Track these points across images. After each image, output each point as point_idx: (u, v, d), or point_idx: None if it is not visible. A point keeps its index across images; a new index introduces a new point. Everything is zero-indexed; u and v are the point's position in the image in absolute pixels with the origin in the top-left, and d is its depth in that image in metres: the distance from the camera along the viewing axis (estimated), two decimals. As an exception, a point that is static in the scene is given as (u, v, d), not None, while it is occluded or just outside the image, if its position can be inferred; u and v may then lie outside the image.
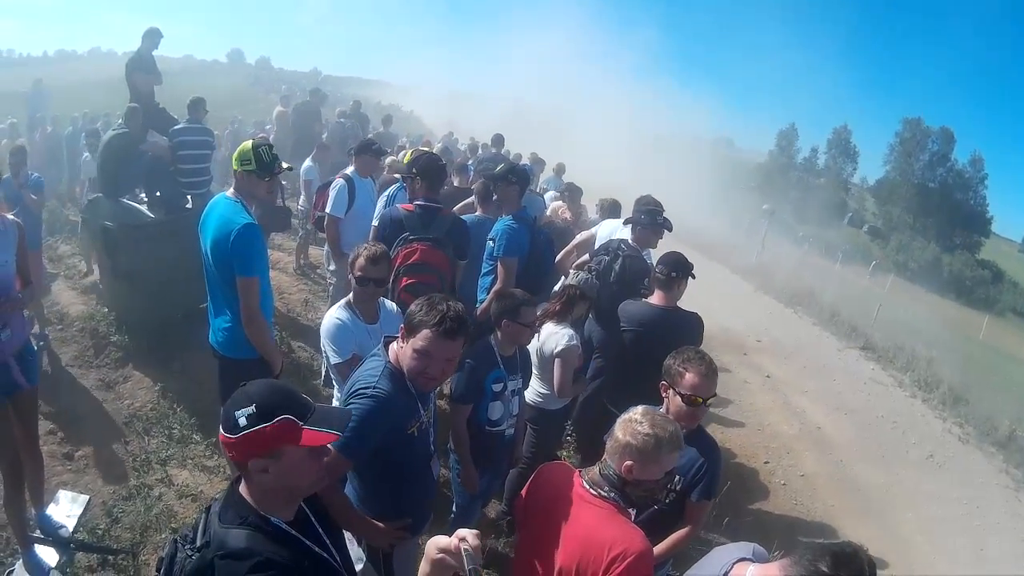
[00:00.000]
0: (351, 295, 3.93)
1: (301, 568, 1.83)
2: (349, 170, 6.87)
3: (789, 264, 25.47)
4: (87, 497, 4.62)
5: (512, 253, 5.22)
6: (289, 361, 7.10)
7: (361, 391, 2.75)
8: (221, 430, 1.84)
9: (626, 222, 5.76)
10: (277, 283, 9.43)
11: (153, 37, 7.98)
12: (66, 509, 4.46)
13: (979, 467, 9.92)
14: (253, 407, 1.81)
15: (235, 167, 3.94)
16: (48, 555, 4.09)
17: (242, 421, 1.80)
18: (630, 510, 2.52)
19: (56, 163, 14.12)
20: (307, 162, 10.39)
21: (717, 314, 11.76)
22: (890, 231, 65.20)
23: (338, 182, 6.66)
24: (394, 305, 4.18)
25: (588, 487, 2.53)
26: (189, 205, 7.31)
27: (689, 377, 3.23)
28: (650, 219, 5.36)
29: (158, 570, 1.87)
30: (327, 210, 6.61)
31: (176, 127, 7.35)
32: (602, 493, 2.49)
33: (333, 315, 3.87)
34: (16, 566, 3.99)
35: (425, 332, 2.70)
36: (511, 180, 5.36)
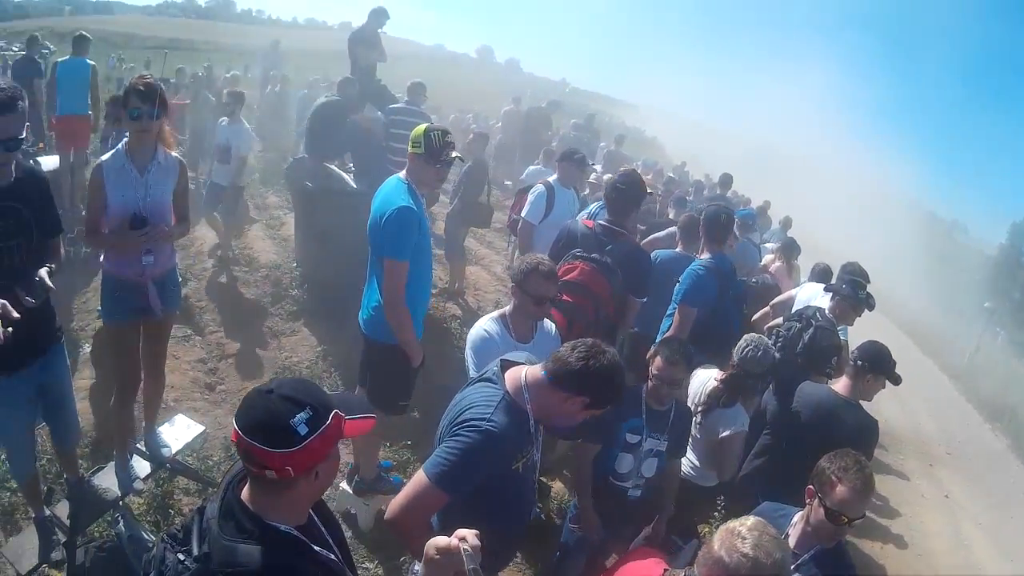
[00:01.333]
0: (508, 307, 3.64)
1: (307, 572, 1.73)
2: (552, 178, 6.68)
3: (1001, 373, 23.07)
4: (203, 428, 4.78)
5: (692, 301, 4.83)
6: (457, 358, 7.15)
7: (474, 423, 2.42)
8: (275, 449, 1.60)
9: (827, 288, 5.34)
10: (476, 280, 9.59)
11: (379, 16, 8.27)
12: (177, 433, 4.61)
13: None
14: (309, 410, 1.63)
15: (409, 148, 3.89)
16: (141, 467, 4.27)
17: (303, 429, 1.61)
18: None
19: (280, 119, 14.84)
20: (532, 167, 10.38)
21: (912, 412, 10.91)
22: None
23: (538, 188, 6.51)
24: (552, 326, 3.82)
25: None
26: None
27: (841, 490, 2.73)
28: (851, 291, 4.97)
29: (147, 574, 1.75)
30: (522, 214, 6.49)
31: (393, 106, 7.65)
32: None
33: (482, 326, 3.59)
34: (107, 467, 4.19)
35: (612, 400, 2.51)
36: (720, 222, 5.02)
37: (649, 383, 3.67)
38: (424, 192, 3.95)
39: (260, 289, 7.73)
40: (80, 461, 4.60)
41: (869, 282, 5.05)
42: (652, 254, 5.29)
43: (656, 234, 6.76)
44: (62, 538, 3.70)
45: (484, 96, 34.76)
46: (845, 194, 44.00)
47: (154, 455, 4.34)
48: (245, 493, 1.72)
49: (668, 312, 5.10)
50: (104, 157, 3.82)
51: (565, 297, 4.14)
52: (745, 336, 4.31)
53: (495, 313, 3.70)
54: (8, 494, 4.24)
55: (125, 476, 4.07)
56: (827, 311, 4.96)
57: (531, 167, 10.30)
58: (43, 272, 3.16)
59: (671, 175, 14.34)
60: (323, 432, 1.64)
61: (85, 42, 9.34)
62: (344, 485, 4.57)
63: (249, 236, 9.68)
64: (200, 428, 4.73)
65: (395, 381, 4.12)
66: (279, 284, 7.80)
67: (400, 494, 2.42)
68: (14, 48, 13.61)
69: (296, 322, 7.17)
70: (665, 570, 2.39)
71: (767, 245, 10.04)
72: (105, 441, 4.66)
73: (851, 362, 4.09)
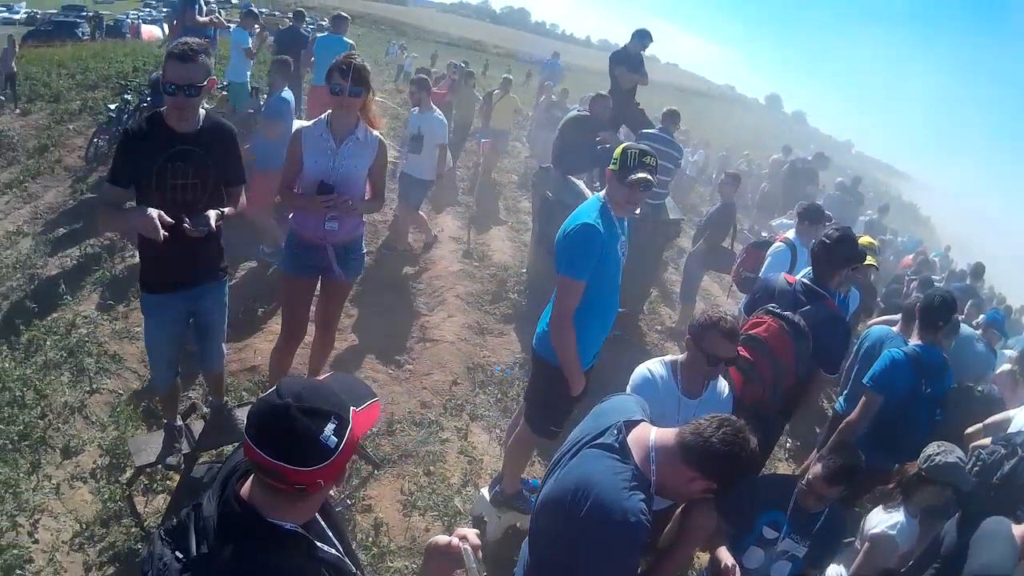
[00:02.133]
0: (684, 355, 3.37)
1: (317, 574, 1.65)
2: (790, 234, 6.18)
3: None
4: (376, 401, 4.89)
5: (880, 387, 4.20)
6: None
7: (613, 523, 2.13)
8: (309, 468, 1.52)
9: None
10: None
11: (642, 38, 8.19)
12: None
13: None
14: (333, 420, 1.54)
15: (609, 164, 3.67)
16: None
17: (332, 440, 1.53)
18: None
19: (552, 130, 15.08)
20: (786, 220, 9.87)
21: None
22: None
23: (779, 245, 6.08)
24: (726, 387, 3.47)
25: None
26: (637, 210, 7.36)
27: None
28: None
29: (144, 573, 1.67)
30: (760, 273, 5.95)
31: (646, 131, 7.48)
32: None
33: (648, 367, 3.39)
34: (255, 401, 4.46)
35: (740, 480, 2.28)
36: (934, 306, 4.39)
37: (803, 483, 3.23)
38: (619, 215, 3.68)
39: (483, 286, 7.89)
40: (244, 394, 5.03)
41: None
42: (868, 327, 4.76)
43: (890, 316, 6.03)
44: (186, 449, 3.99)
45: (764, 142, 33.74)
46: None
47: None
48: (246, 490, 1.64)
49: (850, 392, 4.70)
50: (307, 124, 4.09)
51: (743, 352, 3.70)
52: (941, 442, 3.78)
53: (669, 357, 3.45)
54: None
55: None
56: None
57: (784, 221, 9.78)
58: (211, 212, 3.46)
59: (931, 258, 12.94)
60: (350, 436, 1.56)
61: (344, 21, 10.07)
62: (484, 491, 4.48)
63: (491, 234, 9.98)
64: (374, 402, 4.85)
65: (551, 405, 3.93)
66: (503, 285, 7.92)
67: None
68: (287, 18, 15.07)
69: (507, 325, 7.22)
70: None
71: (1008, 352, 8.72)
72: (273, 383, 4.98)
73: None
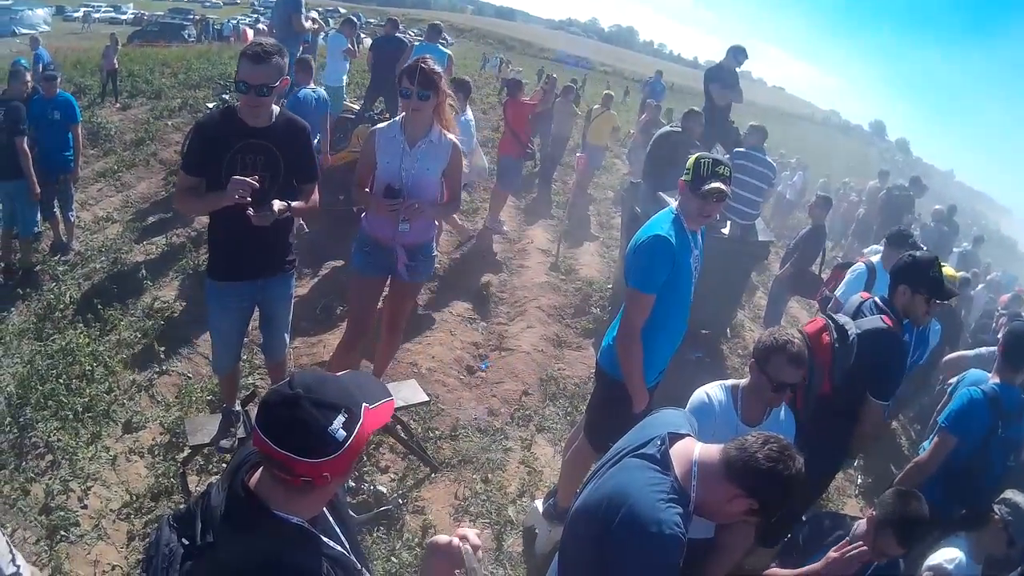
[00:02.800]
0: (746, 380, 3.21)
1: (322, 570, 1.64)
2: (875, 258, 6.12)
3: None
4: (428, 398, 4.91)
5: (956, 429, 3.98)
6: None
7: (648, 535, 2.07)
8: (316, 460, 1.52)
9: None
10: None
11: (737, 55, 8.24)
12: (403, 393, 4.69)
13: None
14: (344, 412, 1.54)
15: (682, 176, 3.59)
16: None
17: (341, 434, 1.53)
18: None
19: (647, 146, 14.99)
20: (878, 247, 9.53)
21: None
22: None
23: (858, 266, 6.02)
24: (788, 414, 3.32)
25: None
26: (726, 230, 7.22)
27: None
28: None
29: (149, 557, 1.67)
30: (836, 293, 6.01)
31: (739, 150, 7.36)
32: None
33: (707, 390, 3.24)
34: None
35: (750, 501, 2.15)
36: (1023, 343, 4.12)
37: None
38: (692, 227, 3.59)
39: (567, 299, 7.85)
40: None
41: None
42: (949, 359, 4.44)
43: (980, 350, 5.69)
44: (241, 434, 4.07)
45: (866, 169, 32.70)
46: None
47: None
48: (255, 482, 1.64)
49: (928, 437, 4.33)
50: (382, 125, 4.13)
51: None
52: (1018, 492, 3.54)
53: (730, 382, 3.27)
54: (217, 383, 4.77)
55: None
56: None
57: (872, 247, 9.36)
58: (278, 203, 3.51)
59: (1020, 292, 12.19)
60: (359, 431, 1.55)
61: (437, 30, 10.20)
62: (538, 503, 4.44)
63: (581, 249, 9.94)
64: (425, 397, 4.84)
65: (611, 420, 3.71)
66: (587, 299, 7.88)
67: None
68: (381, 26, 15.32)
69: (587, 339, 7.15)
70: None
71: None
72: None
73: None
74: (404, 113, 4.01)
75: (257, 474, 1.64)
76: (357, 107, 10.55)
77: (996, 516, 3.42)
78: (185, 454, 4.37)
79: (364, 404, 1.58)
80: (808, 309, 10.44)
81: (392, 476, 4.64)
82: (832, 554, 2.85)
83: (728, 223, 7.25)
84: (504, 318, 7.26)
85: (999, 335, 6.47)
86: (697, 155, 3.56)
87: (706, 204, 3.46)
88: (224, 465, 4.26)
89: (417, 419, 5.08)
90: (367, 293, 4.36)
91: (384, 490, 4.39)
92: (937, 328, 5.31)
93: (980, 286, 7.57)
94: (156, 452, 4.59)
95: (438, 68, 3.92)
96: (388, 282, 4.37)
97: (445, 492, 4.62)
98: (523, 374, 6.14)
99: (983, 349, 5.77)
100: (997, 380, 4.11)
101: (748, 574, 3.12)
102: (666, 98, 18.45)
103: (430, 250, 4.35)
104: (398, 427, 4.60)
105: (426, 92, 3.84)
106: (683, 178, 3.53)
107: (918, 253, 4.03)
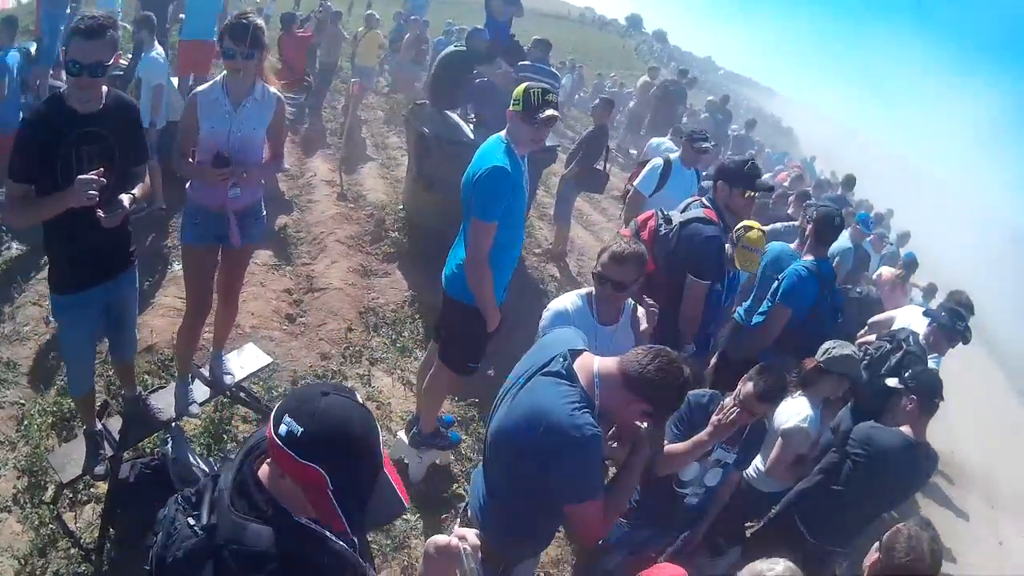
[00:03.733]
0: (594, 287, 3.53)
1: (322, 566, 1.64)
2: (674, 155, 6.65)
3: None
4: (270, 359, 4.73)
5: (789, 301, 4.56)
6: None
7: (574, 437, 2.28)
8: (272, 416, 1.55)
9: (925, 313, 5.16)
10: (583, 243, 9.57)
11: None
12: (244, 361, 4.54)
13: None
14: (302, 431, 1.50)
15: (510, 106, 3.67)
16: (200, 391, 4.22)
17: (282, 429, 1.51)
18: None
19: (420, 64, 14.64)
20: (663, 141, 10.00)
21: (989, 450, 10.44)
22: None
23: (655, 161, 6.51)
24: (641, 312, 3.66)
25: None
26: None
27: None
28: (949, 320, 4.81)
29: (155, 533, 1.69)
30: (634, 184, 6.52)
31: (523, 63, 7.45)
32: None
33: (564, 302, 3.54)
34: (167, 387, 4.17)
35: (672, 406, 2.48)
36: (834, 224, 4.77)
37: (735, 402, 3.37)
38: (522, 153, 3.73)
39: (362, 227, 7.76)
40: (146, 376, 4.71)
41: (973, 314, 4.94)
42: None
43: (775, 225, 6.47)
44: (110, 452, 3.71)
45: (629, 62, 34.24)
46: (973, 219, 41.67)
47: (216, 381, 4.30)
48: (264, 471, 1.65)
49: (761, 309, 4.88)
50: (202, 87, 3.77)
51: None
52: (836, 340, 4.16)
53: (584, 290, 3.60)
54: (69, 402, 4.34)
55: (183, 398, 4.06)
56: (921, 337, 4.85)
57: (657, 140, 10.08)
58: (124, 197, 3.23)
59: (796, 170, 13.69)
60: (286, 454, 1.51)
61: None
62: (401, 434, 4.56)
63: (363, 173, 9.76)
64: (268, 359, 4.68)
65: (467, 342, 4.03)
66: (382, 224, 7.80)
67: (582, 533, 2.59)
68: None
69: (391, 264, 7.17)
70: None
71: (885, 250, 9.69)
72: (174, 361, 4.69)
73: (908, 405, 3.92)
74: (226, 73, 3.69)
75: (265, 465, 1.65)
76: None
77: (824, 367, 4.03)
78: (51, 492, 3.89)
79: (319, 469, 1.51)
80: (590, 201, 11.08)
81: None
82: (714, 420, 3.24)
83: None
84: (307, 258, 7.08)
85: (789, 210, 7.35)
86: (524, 85, 3.69)
87: (540, 131, 3.67)
88: (95, 491, 3.98)
89: (256, 381, 4.86)
90: (203, 265, 4.03)
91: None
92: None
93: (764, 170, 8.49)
94: (22, 501, 3.95)
95: (261, 22, 3.65)
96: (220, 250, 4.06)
97: None
98: (342, 311, 6.08)
99: (778, 224, 6.57)
100: (811, 257, 4.74)
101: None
102: (427, 10, 18.05)
103: (260, 211, 4.10)
104: (242, 395, 4.44)
105: (251, 51, 3.54)
106: (513, 108, 3.63)
107: (739, 160, 4.51)
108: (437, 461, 4.54)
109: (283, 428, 1.51)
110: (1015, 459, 13.00)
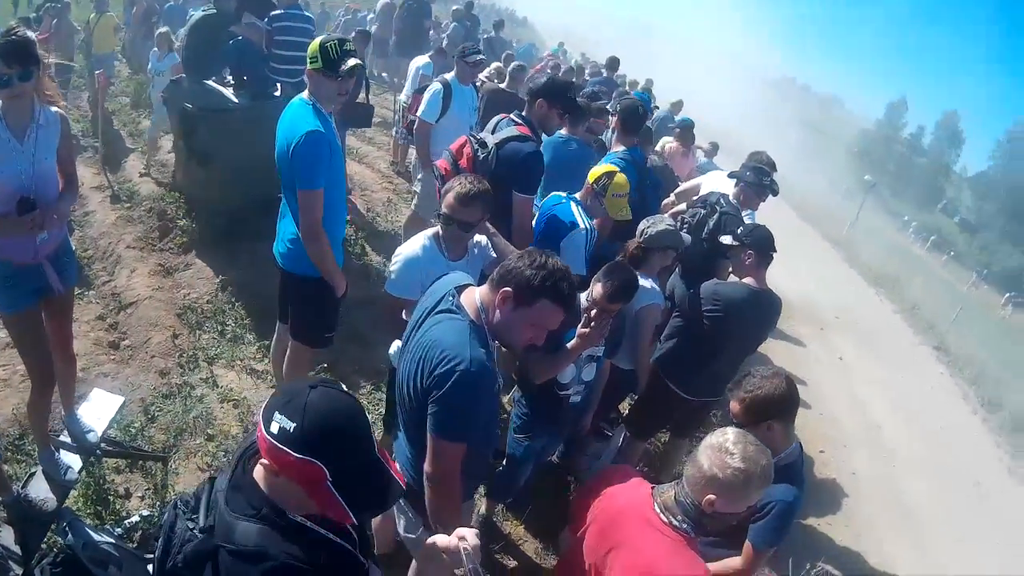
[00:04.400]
0: (440, 227, 3.51)
1: (318, 565, 1.62)
2: (449, 75, 6.64)
3: (879, 241, 24.95)
4: (122, 399, 4.38)
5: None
6: (360, 265, 6.98)
7: (458, 370, 2.33)
8: (261, 414, 1.57)
9: (731, 175, 5.44)
10: (361, 179, 9.37)
11: None
12: (98, 410, 4.17)
13: None
14: (294, 426, 1.51)
15: (308, 65, 3.60)
16: (70, 459, 3.86)
17: (274, 427, 1.52)
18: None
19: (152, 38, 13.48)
20: (424, 59, 9.90)
21: (801, 281, 11.69)
22: (980, 227, 63.01)
23: (434, 86, 6.50)
24: (487, 243, 3.68)
25: (659, 512, 2.31)
26: (277, 92, 7.06)
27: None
28: (756, 178, 5.07)
29: (156, 539, 1.68)
30: (418, 114, 6.50)
31: (275, 12, 6.98)
32: (674, 522, 2.27)
33: (414, 244, 3.51)
34: (36, 472, 3.76)
35: (548, 306, 2.40)
36: (638, 114, 5.05)
37: (588, 303, 3.56)
38: (329, 110, 3.68)
39: (146, 224, 7.17)
40: (6, 468, 4.10)
41: (775, 170, 5.18)
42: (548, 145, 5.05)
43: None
44: (20, 569, 3.31)
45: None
46: (721, 73, 44.98)
47: (80, 442, 3.92)
48: (258, 472, 1.65)
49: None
50: None
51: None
52: (648, 217, 4.39)
53: (430, 231, 3.58)
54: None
55: (57, 476, 3.68)
56: (731, 197, 5.09)
57: (418, 62, 9.91)
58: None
59: (551, 60, 14.10)
60: (283, 452, 1.53)
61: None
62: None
63: (128, 167, 8.97)
64: (120, 399, 4.33)
65: (320, 314, 4.00)
66: (165, 216, 7.26)
67: (429, 465, 2.44)
68: None
69: (188, 254, 6.75)
70: (652, 489, 2.44)
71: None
72: (27, 437, 4.27)
73: (748, 258, 4.25)
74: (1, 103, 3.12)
75: (259, 465, 1.65)
76: None
77: (646, 245, 4.24)
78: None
79: (317, 463, 1.53)
80: (357, 136, 10.86)
81: (140, 495, 4.10)
82: (580, 331, 3.35)
83: (279, 85, 7.11)
84: (105, 275, 6.48)
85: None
86: (319, 41, 3.58)
87: (345, 83, 3.65)
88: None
89: (111, 425, 4.36)
90: (34, 329, 3.53)
91: (147, 513, 3.85)
92: None
93: (515, 65, 8.48)
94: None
95: (31, 34, 3.13)
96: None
97: (191, 473, 4.31)
98: (160, 320, 5.69)
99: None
100: (622, 147, 5.09)
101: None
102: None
103: (70, 248, 3.65)
104: (106, 447, 4.07)
105: (29, 70, 3.04)
106: (312, 66, 3.57)
107: (546, 79, 4.64)
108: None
109: (275, 426, 1.52)
110: (825, 286, 14.76)
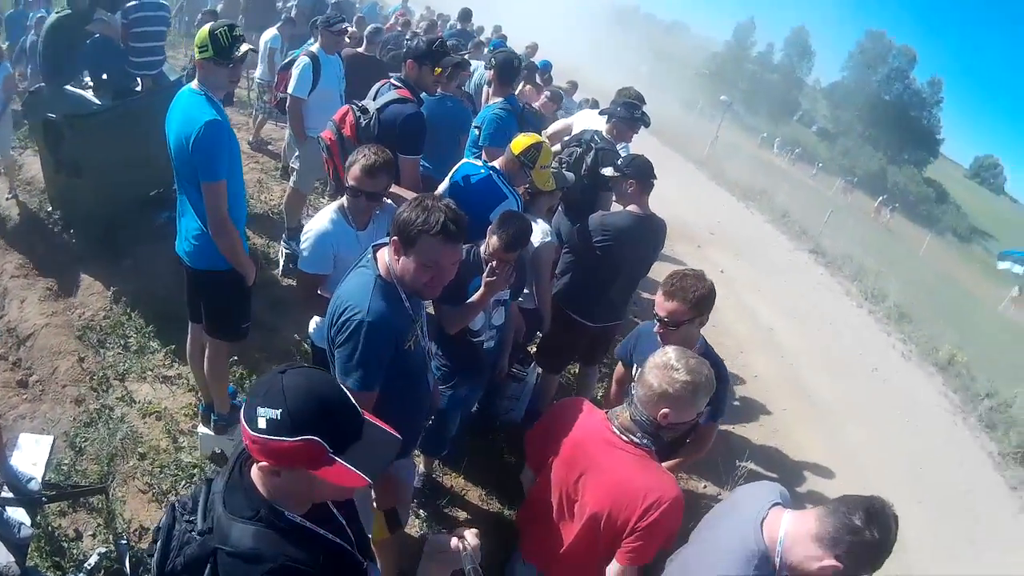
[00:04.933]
0: (344, 199, 3.56)
1: (317, 566, 1.64)
2: (315, 47, 6.63)
3: (741, 157, 25.85)
4: (51, 438, 4.16)
5: (500, 143, 4.86)
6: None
7: (354, 319, 2.48)
8: (242, 418, 1.55)
9: (602, 112, 5.62)
10: None
11: None
12: (31, 455, 3.95)
13: (920, 388, 10.68)
14: (280, 412, 1.50)
15: (196, 55, 3.54)
16: (17, 515, 3.60)
17: (261, 423, 1.51)
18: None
19: None
20: (271, 31, 9.88)
21: (672, 204, 12.04)
22: (839, 135, 66.49)
23: (302, 60, 6.45)
24: (389, 202, 3.74)
25: (619, 433, 2.52)
26: (139, 87, 6.81)
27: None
28: (627, 112, 5.22)
29: (154, 541, 1.68)
30: (289, 91, 6.47)
31: (129, 4, 6.58)
32: (635, 440, 2.49)
33: (322, 219, 3.54)
34: None
35: (429, 241, 2.45)
36: (514, 66, 5.23)
37: (487, 254, 3.71)
38: (220, 97, 3.67)
39: (25, 249, 6.69)
40: None
41: (644, 103, 5.34)
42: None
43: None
44: None
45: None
46: (564, 11, 45.31)
47: (24, 494, 3.63)
48: (255, 473, 1.66)
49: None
50: None
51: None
52: None
53: (335, 204, 3.63)
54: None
55: (12, 536, 3.41)
56: (604, 133, 5.26)
57: (270, 32, 9.89)
58: None
59: (403, 17, 13.82)
60: (278, 442, 1.52)
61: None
62: (203, 428, 4.45)
63: (-6, 188, 8.28)
64: (49, 439, 4.10)
65: (234, 306, 4.00)
66: (42, 235, 6.83)
67: None
68: None
69: (74, 271, 6.36)
70: (606, 413, 2.65)
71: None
72: None
73: (630, 186, 4.45)
74: None
75: (256, 469, 1.65)
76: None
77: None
78: None
79: (314, 439, 1.52)
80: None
81: (91, 533, 3.93)
82: (485, 280, 3.52)
83: (139, 79, 6.85)
84: (-5, 310, 6.08)
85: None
86: (207, 28, 3.50)
87: (235, 70, 3.68)
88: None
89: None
90: None
91: (104, 550, 3.69)
92: None
93: (370, 28, 8.32)
94: None
95: None
96: None
97: (136, 497, 4.20)
98: (62, 346, 5.39)
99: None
100: (500, 98, 5.29)
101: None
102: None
103: None
104: (47, 492, 3.81)
105: None
106: (201, 56, 3.51)
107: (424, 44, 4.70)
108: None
109: (261, 421, 1.51)
110: (697, 205, 15.18)
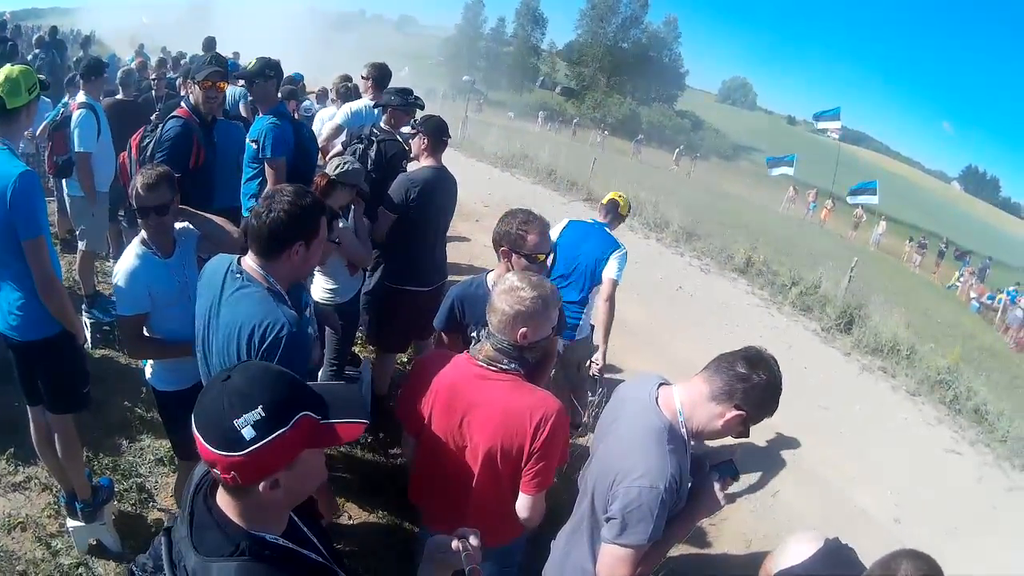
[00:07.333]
0: (142, 231, 3.38)
1: None
2: (83, 98, 6.18)
3: (496, 132, 26.67)
4: None
5: (280, 152, 4.94)
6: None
7: (284, 334, 2.42)
8: (214, 449, 1.34)
9: (376, 105, 5.86)
10: None
11: None
12: None
13: (727, 292, 11.17)
14: (260, 409, 1.34)
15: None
16: None
17: (248, 432, 1.33)
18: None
19: None
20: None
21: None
22: (583, 91, 70.18)
23: (80, 113, 6.02)
24: (185, 224, 3.53)
25: (487, 365, 2.56)
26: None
27: (531, 238, 3.22)
28: (402, 100, 5.40)
29: None
30: (77, 148, 6.02)
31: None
32: (503, 367, 2.54)
33: (129, 258, 3.31)
34: None
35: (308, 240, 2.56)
36: (268, 75, 5.07)
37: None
38: (17, 143, 3.42)
39: None
40: None
41: (412, 91, 5.57)
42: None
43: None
44: None
45: None
46: (285, 23, 45.22)
47: None
48: (224, 501, 1.47)
49: (248, 176, 5.18)
50: None
51: None
52: (339, 157, 4.68)
53: (136, 239, 3.41)
54: None
55: None
56: (382, 123, 5.46)
57: None
58: None
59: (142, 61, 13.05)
60: (278, 439, 1.36)
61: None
62: (71, 522, 3.94)
63: None
64: None
65: (74, 370, 3.65)
66: None
67: None
68: None
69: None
70: (467, 352, 2.69)
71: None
72: None
73: (432, 141, 4.80)
74: None
75: (230, 503, 1.47)
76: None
77: (338, 180, 4.38)
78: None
79: (305, 413, 1.40)
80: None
81: None
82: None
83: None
84: None
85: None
86: (4, 71, 3.26)
87: (32, 110, 3.42)
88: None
89: None
90: None
91: None
92: None
93: (122, 72, 7.70)
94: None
95: None
96: None
97: None
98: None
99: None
100: (267, 111, 5.09)
101: None
102: None
103: None
104: None
105: None
106: (13, 104, 3.28)
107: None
108: (114, 515, 4.09)
109: (247, 431, 1.34)
110: (463, 184, 15.02)
